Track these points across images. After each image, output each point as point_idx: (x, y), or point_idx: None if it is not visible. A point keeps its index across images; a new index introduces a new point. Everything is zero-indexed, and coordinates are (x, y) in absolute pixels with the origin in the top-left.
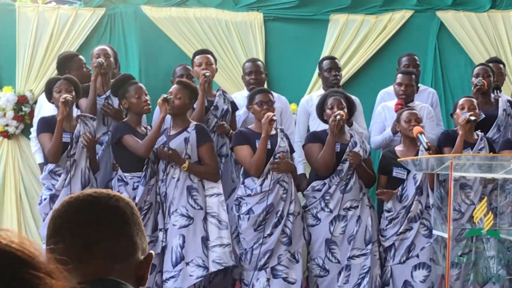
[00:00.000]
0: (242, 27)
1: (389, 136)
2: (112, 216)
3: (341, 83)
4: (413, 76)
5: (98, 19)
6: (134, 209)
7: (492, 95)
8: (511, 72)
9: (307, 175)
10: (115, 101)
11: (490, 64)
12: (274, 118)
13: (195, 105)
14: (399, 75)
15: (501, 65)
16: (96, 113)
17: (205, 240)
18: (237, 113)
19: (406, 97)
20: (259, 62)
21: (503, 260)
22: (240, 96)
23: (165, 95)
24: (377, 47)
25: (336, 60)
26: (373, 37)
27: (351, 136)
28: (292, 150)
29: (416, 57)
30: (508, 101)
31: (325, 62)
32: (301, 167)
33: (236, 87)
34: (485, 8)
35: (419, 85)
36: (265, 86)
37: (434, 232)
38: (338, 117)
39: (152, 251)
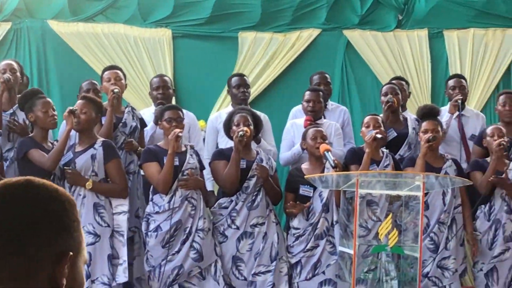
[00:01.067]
0: (151, 44)
1: (298, 151)
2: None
3: (250, 100)
4: (321, 93)
5: (4, 33)
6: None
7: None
8: (416, 91)
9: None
10: (21, 117)
11: (394, 82)
12: (180, 134)
13: (103, 121)
14: (307, 92)
15: (403, 82)
16: (1, 129)
17: (111, 258)
18: (144, 129)
19: (314, 114)
20: (166, 78)
21: (406, 277)
22: (148, 112)
23: (71, 107)
24: (286, 65)
25: (245, 77)
26: (281, 55)
27: (257, 153)
28: (202, 167)
29: (327, 75)
30: (417, 119)
31: (234, 79)
32: (210, 184)
33: (144, 104)
34: (390, 28)
35: (331, 102)
36: (173, 102)
37: (340, 248)
38: (241, 133)
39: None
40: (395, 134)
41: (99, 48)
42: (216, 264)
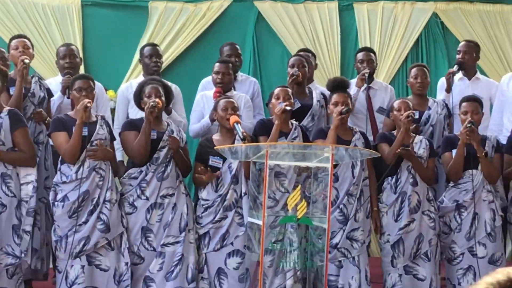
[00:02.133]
0: (59, 12)
1: (207, 123)
2: None
3: (160, 70)
4: (230, 64)
5: None
6: None
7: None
8: (326, 63)
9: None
10: None
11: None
12: (89, 105)
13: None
14: (216, 64)
15: (310, 54)
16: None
17: (17, 228)
18: (51, 99)
19: (224, 85)
20: (73, 46)
21: (315, 248)
22: (55, 82)
23: None
24: (196, 35)
25: (158, 47)
26: (192, 25)
27: (168, 124)
28: (112, 138)
29: (237, 46)
30: (322, 93)
31: (146, 49)
32: (119, 155)
33: (52, 73)
34: (301, 0)
35: (241, 74)
36: (82, 71)
37: (249, 219)
38: (152, 104)
39: None
40: (299, 104)
41: (7, 15)
42: (122, 236)
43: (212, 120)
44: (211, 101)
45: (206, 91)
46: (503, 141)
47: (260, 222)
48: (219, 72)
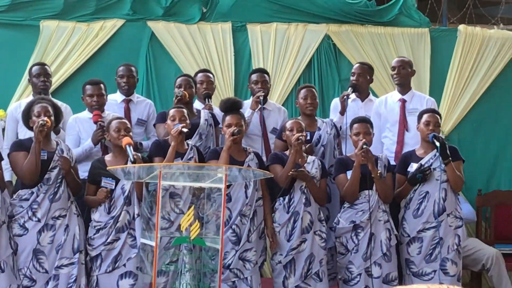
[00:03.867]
0: None
1: (89, 147)
2: None
3: (52, 89)
4: (102, 85)
5: None
6: None
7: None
8: (220, 84)
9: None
10: None
11: (200, 74)
12: None
13: None
14: (88, 86)
15: (210, 74)
16: None
17: None
18: None
19: (99, 107)
20: None
21: (207, 269)
22: None
23: None
24: (89, 55)
25: (46, 66)
26: (84, 44)
27: (58, 144)
28: (0, 158)
29: (132, 68)
30: (210, 113)
31: (34, 68)
32: (8, 175)
33: None
34: (195, 20)
35: (137, 95)
36: None
37: (142, 240)
38: (41, 122)
39: None
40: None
41: None
42: (12, 258)
43: (96, 143)
44: (85, 123)
45: (78, 114)
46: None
47: (153, 243)
48: (93, 95)
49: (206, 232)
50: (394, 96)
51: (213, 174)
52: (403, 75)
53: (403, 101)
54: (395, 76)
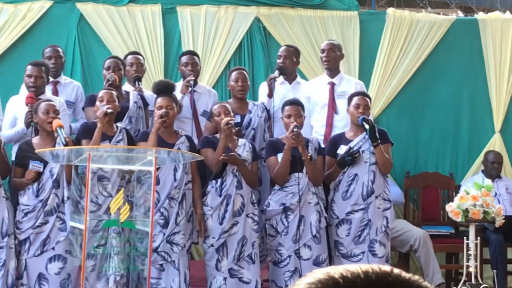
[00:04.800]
0: None
1: (22, 130)
2: None
3: None
4: (43, 67)
5: None
6: None
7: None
8: (150, 67)
9: None
10: None
11: (130, 57)
12: None
13: None
14: (28, 67)
15: (140, 57)
16: None
17: None
18: None
19: (36, 90)
20: None
21: (137, 251)
22: None
23: None
24: (16, 37)
25: None
26: (12, 26)
27: None
28: None
29: (59, 49)
30: (140, 95)
31: None
32: None
33: None
34: (124, 2)
35: (65, 77)
36: None
37: (71, 223)
38: None
39: None
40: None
41: None
42: None
43: (28, 126)
44: (23, 105)
45: (17, 95)
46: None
47: (82, 227)
48: (31, 76)
49: (136, 215)
50: (323, 79)
51: (142, 157)
52: (333, 58)
53: (332, 84)
54: (324, 59)
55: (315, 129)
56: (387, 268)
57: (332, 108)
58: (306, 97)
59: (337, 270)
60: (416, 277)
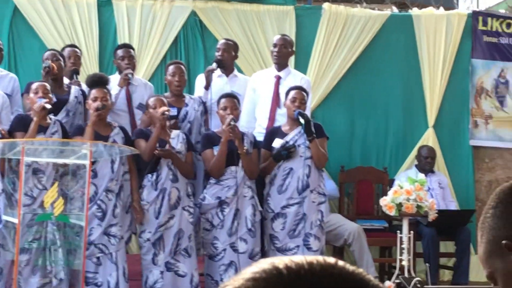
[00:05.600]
0: None
1: None
2: None
3: None
4: None
5: None
6: None
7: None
8: (85, 59)
9: None
10: None
11: (67, 49)
12: None
13: None
14: None
15: (77, 50)
16: None
17: None
18: None
19: None
20: None
21: (72, 245)
22: None
23: None
24: None
25: None
26: None
27: None
28: None
29: None
30: (81, 89)
31: None
32: None
33: None
34: None
35: (1, 69)
36: None
37: (4, 217)
38: None
39: None
40: (55, 99)
41: None
42: None
43: None
44: None
45: None
46: (259, 137)
47: (15, 220)
48: None
49: (71, 209)
50: (270, 72)
51: (77, 150)
52: (284, 54)
53: (278, 78)
54: (275, 54)
55: (258, 122)
56: (331, 260)
57: (276, 101)
58: (252, 88)
59: (282, 261)
60: (360, 270)
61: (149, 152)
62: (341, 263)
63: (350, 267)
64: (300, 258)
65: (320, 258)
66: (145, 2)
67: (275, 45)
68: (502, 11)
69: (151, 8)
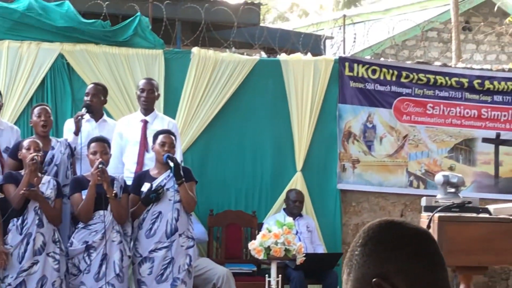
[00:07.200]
0: None
1: None
2: None
3: None
4: None
5: None
6: None
7: None
8: None
9: None
10: None
11: None
12: None
13: None
14: None
15: None
16: None
17: None
18: None
19: None
20: None
21: None
22: None
23: None
24: None
25: None
26: None
27: None
28: None
29: None
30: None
31: None
32: None
33: None
34: None
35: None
36: None
37: None
38: None
39: None
40: None
41: None
42: None
43: None
44: None
45: None
46: (127, 182)
47: None
48: None
49: None
50: (137, 116)
51: None
52: (151, 98)
53: (145, 122)
54: (143, 99)
55: (126, 166)
56: None
57: (144, 146)
58: (118, 133)
59: None
60: None
61: (19, 197)
62: None
63: None
64: None
65: None
66: (11, 44)
67: (142, 90)
68: (367, 57)
69: (17, 50)
